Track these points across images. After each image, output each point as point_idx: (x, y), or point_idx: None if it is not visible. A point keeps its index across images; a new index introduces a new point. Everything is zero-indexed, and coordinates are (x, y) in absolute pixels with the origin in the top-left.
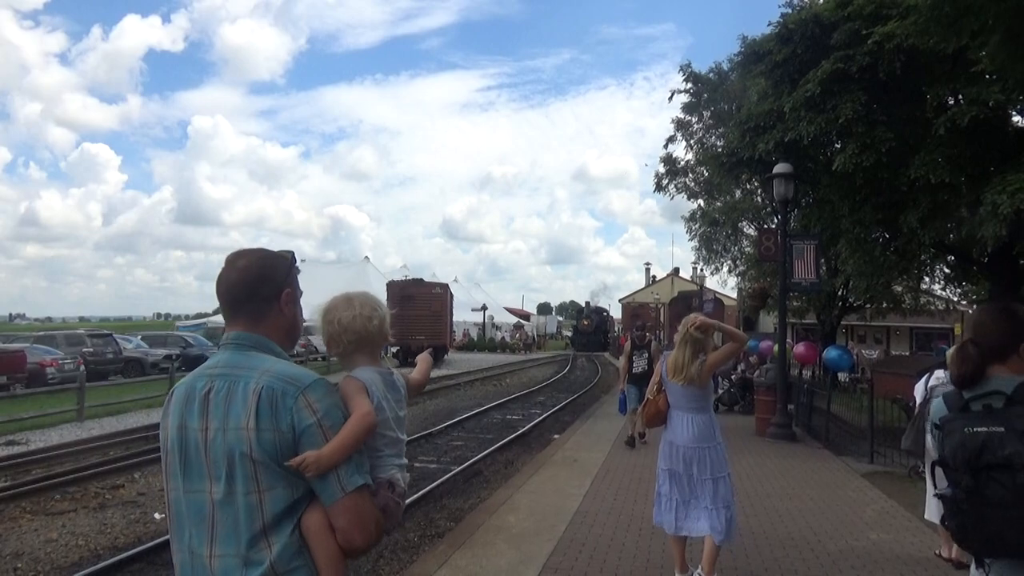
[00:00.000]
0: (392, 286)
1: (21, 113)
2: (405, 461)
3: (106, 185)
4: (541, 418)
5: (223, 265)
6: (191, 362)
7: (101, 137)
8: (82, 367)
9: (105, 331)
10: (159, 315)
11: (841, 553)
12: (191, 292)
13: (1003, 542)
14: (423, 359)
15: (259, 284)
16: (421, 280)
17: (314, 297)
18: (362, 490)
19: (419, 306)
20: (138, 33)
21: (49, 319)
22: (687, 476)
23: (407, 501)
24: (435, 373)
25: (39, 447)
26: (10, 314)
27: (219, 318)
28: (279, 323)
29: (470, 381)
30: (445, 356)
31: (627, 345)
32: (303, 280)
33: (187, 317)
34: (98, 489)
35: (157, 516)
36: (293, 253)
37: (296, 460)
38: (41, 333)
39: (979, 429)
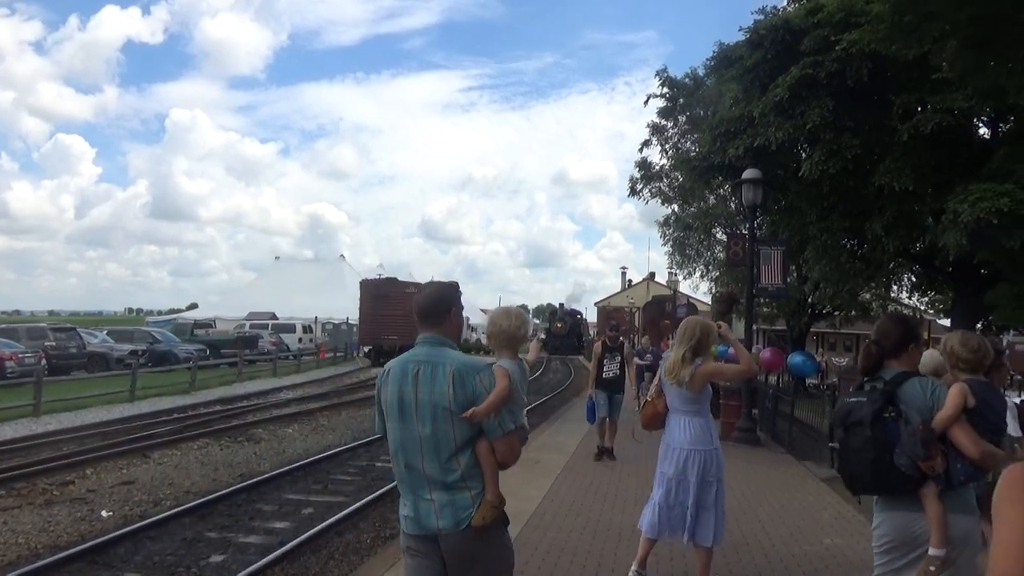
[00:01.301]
0: (366, 285)
1: None
2: (524, 412)
3: (79, 177)
4: None
5: (420, 288)
6: (158, 358)
7: (76, 128)
8: (43, 361)
9: (68, 325)
10: (130, 310)
11: (794, 558)
12: (164, 287)
13: (862, 480)
14: (535, 346)
15: (437, 304)
16: (395, 280)
17: (289, 293)
18: (512, 431)
19: (393, 306)
20: (117, 24)
21: (17, 312)
22: (677, 480)
23: (362, 501)
24: None
25: None
26: None
27: (189, 314)
28: (451, 328)
29: None
30: None
31: (598, 347)
32: (281, 276)
33: (159, 313)
34: (46, 485)
35: (104, 514)
36: (457, 283)
37: (467, 414)
38: (3, 326)
39: (850, 400)
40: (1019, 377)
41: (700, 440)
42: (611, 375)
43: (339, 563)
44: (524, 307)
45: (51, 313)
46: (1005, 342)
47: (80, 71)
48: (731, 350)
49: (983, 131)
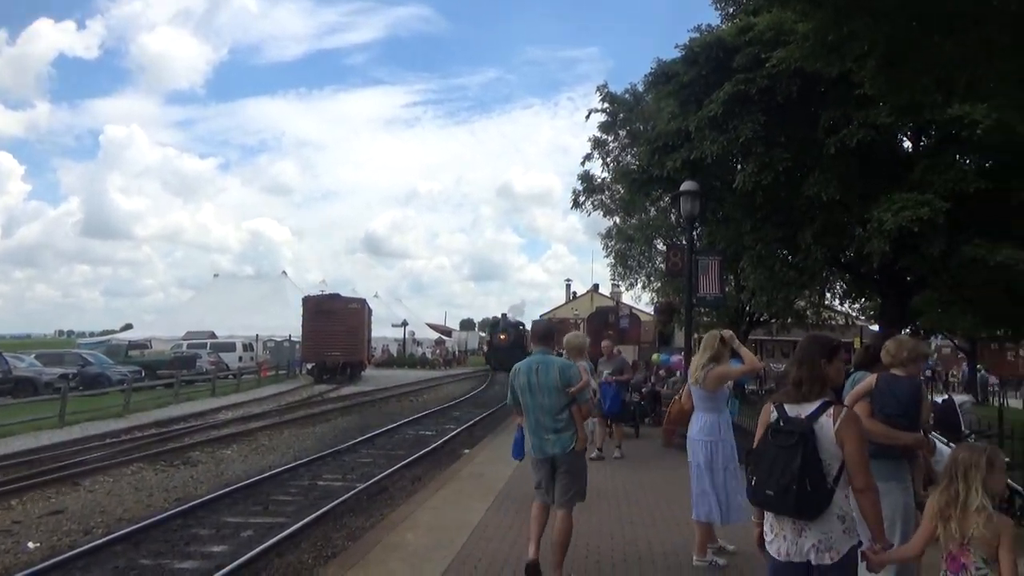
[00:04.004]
0: (308, 301)
1: None
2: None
3: (7, 196)
4: (454, 433)
5: (534, 322)
6: (89, 381)
7: (3, 145)
8: None
9: None
10: (61, 332)
11: (734, 558)
12: (97, 308)
13: None
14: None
15: (548, 333)
16: (338, 295)
17: (229, 310)
18: (589, 399)
19: (335, 321)
20: (49, 38)
21: None
22: (706, 467)
23: (303, 521)
24: (349, 390)
25: None
26: None
27: (123, 335)
28: (552, 346)
29: (386, 398)
30: (362, 372)
31: None
32: (220, 294)
33: (91, 334)
34: None
35: (31, 545)
36: (555, 322)
37: (571, 390)
38: None
39: None
40: (946, 376)
41: (711, 432)
42: None
43: None
44: (470, 320)
45: None
46: (933, 346)
47: (9, 86)
48: (672, 358)
49: (907, 144)
